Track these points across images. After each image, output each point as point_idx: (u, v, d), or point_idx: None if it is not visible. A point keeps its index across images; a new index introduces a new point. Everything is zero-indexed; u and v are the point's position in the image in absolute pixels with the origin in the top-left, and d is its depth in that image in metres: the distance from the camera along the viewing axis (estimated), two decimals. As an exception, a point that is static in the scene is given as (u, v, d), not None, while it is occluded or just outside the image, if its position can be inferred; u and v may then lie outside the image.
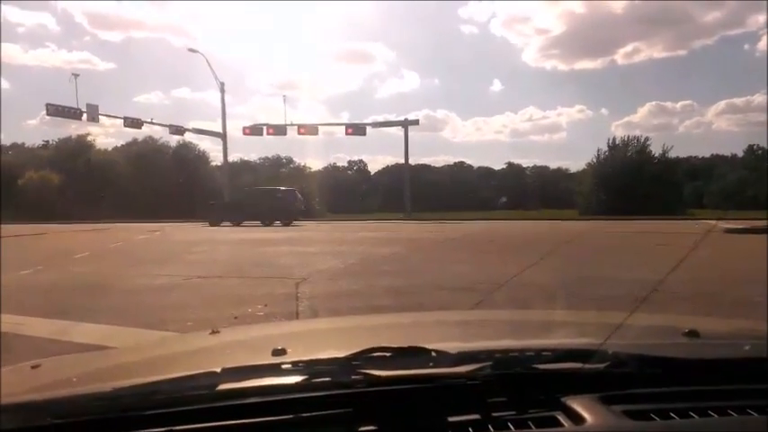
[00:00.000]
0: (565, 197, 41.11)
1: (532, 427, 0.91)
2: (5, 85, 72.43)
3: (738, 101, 75.89)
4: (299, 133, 37.02)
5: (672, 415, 0.94)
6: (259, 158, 59.01)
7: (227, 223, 26.12)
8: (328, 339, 1.80)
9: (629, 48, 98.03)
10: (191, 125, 40.39)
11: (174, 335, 4.05)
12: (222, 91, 37.72)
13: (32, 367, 1.36)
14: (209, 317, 5.67)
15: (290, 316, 5.73)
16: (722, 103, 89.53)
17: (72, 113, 31.81)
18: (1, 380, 1.16)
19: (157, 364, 1.47)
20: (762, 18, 58.88)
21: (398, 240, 15.88)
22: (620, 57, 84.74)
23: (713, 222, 20.23)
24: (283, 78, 79.34)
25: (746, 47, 76.96)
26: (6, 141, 55.81)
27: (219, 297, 7.28)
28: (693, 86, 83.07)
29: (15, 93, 73.62)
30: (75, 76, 31.93)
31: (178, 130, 37.72)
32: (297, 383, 0.99)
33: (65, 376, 1.36)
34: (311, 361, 1.11)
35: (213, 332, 1.85)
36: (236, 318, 5.55)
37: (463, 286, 7.38)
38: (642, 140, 38.22)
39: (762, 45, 65.56)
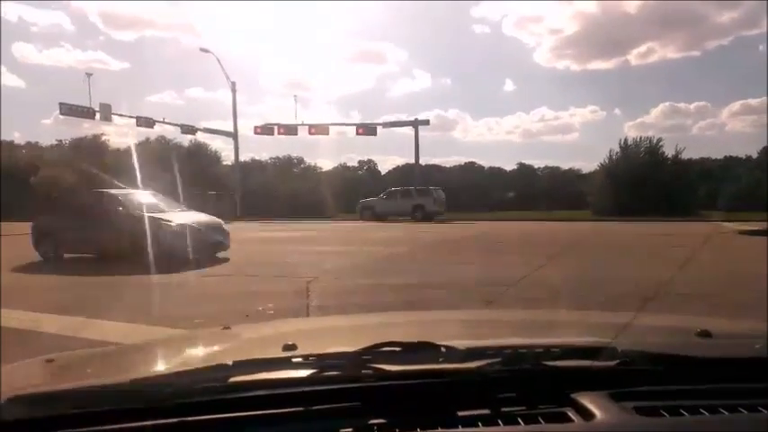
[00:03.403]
0: (577, 198, 40.80)
1: (542, 422, 0.91)
2: (21, 84, 73.05)
3: (753, 102, 74.76)
4: (310, 133, 37.10)
5: (682, 412, 0.94)
6: (270, 158, 59.04)
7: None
8: (338, 336, 1.80)
9: (642, 48, 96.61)
10: (203, 125, 40.56)
11: (186, 331, 4.08)
12: (233, 90, 37.84)
13: (47, 361, 1.38)
14: (219, 315, 5.71)
15: (300, 314, 5.76)
16: (737, 104, 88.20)
17: (85, 113, 32.04)
18: (0, 375, 1.18)
19: (170, 359, 1.48)
20: (777, 19, 58.06)
21: (407, 240, 15.88)
22: (633, 57, 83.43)
23: (719, 223, 20.08)
24: (295, 78, 79.06)
25: (761, 47, 75.71)
26: (21, 140, 56.45)
27: (229, 295, 7.33)
28: (707, 87, 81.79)
29: (30, 92, 74.04)
30: (89, 75, 32.21)
31: (190, 130, 37.90)
32: (307, 377, 1.00)
33: (78, 370, 1.38)
34: (321, 355, 1.12)
35: (224, 328, 1.87)
36: (247, 316, 5.59)
37: (474, 287, 7.37)
38: (655, 141, 37.94)
39: (776, 46, 64.58)
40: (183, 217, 11.66)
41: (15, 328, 5.20)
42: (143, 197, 12.49)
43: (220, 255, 11.21)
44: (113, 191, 12.69)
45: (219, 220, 12.16)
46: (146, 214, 11.16)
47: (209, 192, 33.27)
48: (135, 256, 10.06)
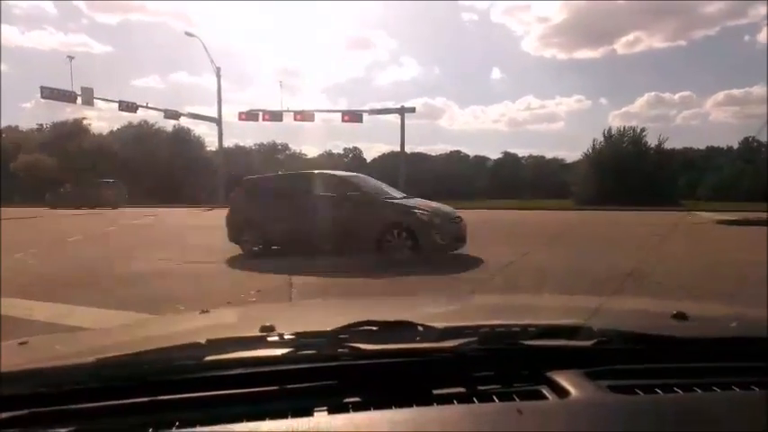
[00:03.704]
0: (561, 187, 41.08)
1: (517, 399, 0.92)
2: (2, 67, 71.30)
3: (737, 92, 75.45)
4: (296, 119, 36.69)
5: (656, 390, 0.95)
6: (255, 144, 58.64)
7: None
8: (317, 317, 1.80)
9: (629, 37, 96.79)
10: (188, 110, 39.98)
11: (163, 316, 4.06)
12: (218, 76, 37.39)
13: (20, 344, 1.36)
14: (202, 301, 5.68)
15: (281, 300, 5.76)
16: (720, 95, 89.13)
17: (66, 96, 31.37)
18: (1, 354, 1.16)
19: (144, 340, 1.47)
20: (763, 9, 58.46)
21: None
22: (620, 46, 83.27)
23: (695, 213, 20.35)
24: (283, 65, 78.40)
25: (747, 38, 76.33)
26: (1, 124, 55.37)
27: (213, 282, 7.30)
28: (692, 77, 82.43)
29: (11, 75, 72.36)
30: (71, 58, 31.58)
31: (173, 115, 37.35)
32: (283, 355, 0.99)
33: (49, 352, 1.36)
34: (298, 334, 1.11)
35: (203, 312, 1.85)
36: (228, 303, 5.56)
37: (457, 273, 7.40)
38: (638, 131, 38.25)
39: (762, 37, 64.94)
40: (424, 205, 9.32)
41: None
42: (368, 179, 10.44)
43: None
44: (334, 172, 10.58)
45: (453, 209, 9.74)
46: (391, 201, 9.36)
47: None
48: (368, 252, 8.45)
